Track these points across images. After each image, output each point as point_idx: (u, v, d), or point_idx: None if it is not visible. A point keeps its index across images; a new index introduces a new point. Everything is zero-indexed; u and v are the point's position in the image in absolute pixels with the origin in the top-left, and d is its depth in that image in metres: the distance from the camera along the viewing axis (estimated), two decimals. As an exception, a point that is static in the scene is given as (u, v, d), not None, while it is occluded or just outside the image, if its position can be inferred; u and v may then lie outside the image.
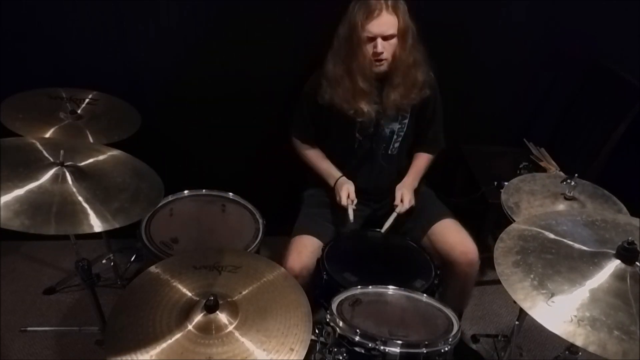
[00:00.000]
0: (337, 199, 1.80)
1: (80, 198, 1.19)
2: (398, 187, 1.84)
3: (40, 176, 1.20)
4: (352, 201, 1.77)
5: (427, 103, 1.84)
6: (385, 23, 1.63)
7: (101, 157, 1.39)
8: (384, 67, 1.70)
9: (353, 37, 1.66)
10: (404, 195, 1.80)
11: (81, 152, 1.36)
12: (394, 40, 1.66)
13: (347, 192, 1.79)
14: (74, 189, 1.21)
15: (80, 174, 1.26)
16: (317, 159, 1.94)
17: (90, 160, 1.35)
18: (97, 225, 1.14)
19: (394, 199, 1.84)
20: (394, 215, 1.78)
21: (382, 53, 1.65)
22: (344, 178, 1.85)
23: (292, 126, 1.97)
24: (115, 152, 1.43)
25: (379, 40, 1.64)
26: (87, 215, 1.16)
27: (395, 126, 1.82)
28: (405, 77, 1.71)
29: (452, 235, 1.77)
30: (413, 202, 1.82)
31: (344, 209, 1.77)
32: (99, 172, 1.32)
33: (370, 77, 1.71)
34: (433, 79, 1.82)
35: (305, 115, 1.89)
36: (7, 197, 1.12)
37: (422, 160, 1.96)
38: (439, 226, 1.80)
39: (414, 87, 1.74)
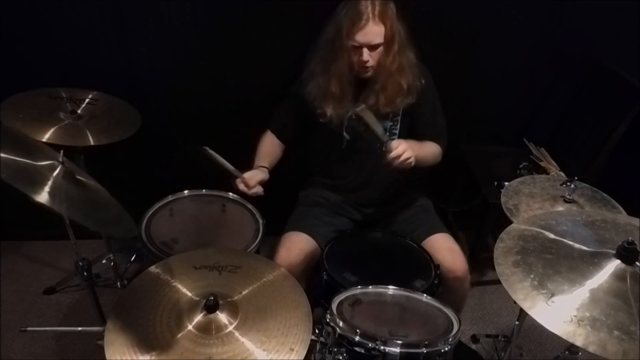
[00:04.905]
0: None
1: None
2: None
3: (40, 160, 1.25)
4: (250, 187, 1.71)
5: (419, 105, 1.79)
6: (371, 32, 1.58)
7: (92, 183, 1.42)
8: (369, 73, 1.68)
9: (337, 42, 1.64)
10: (400, 143, 1.59)
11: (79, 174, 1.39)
12: (380, 49, 1.63)
13: (251, 177, 1.73)
14: (65, 187, 1.22)
15: (72, 180, 1.28)
16: (263, 144, 1.91)
17: (85, 179, 1.38)
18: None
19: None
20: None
21: (368, 61, 1.63)
22: (262, 168, 1.82)
23: (271, 118, 1.95)
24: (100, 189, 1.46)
25: (365, 50, 1.61)
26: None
27: (387, 124, 1.79)
28: (386, 84, 1.68)
29: (441, 252, 1.74)
30: (411, 158, 1.60)
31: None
32: (89, 187, 1.36)
33: (346, 82, 1.69)
34: (423, 85, 1.76)
35: (286, 110, 1.89)
36: (7, 157, 1.16)
37: (426, 142, 1.81)
38: (430, 241, 1.78)
39: (396, 95, 1.70)
